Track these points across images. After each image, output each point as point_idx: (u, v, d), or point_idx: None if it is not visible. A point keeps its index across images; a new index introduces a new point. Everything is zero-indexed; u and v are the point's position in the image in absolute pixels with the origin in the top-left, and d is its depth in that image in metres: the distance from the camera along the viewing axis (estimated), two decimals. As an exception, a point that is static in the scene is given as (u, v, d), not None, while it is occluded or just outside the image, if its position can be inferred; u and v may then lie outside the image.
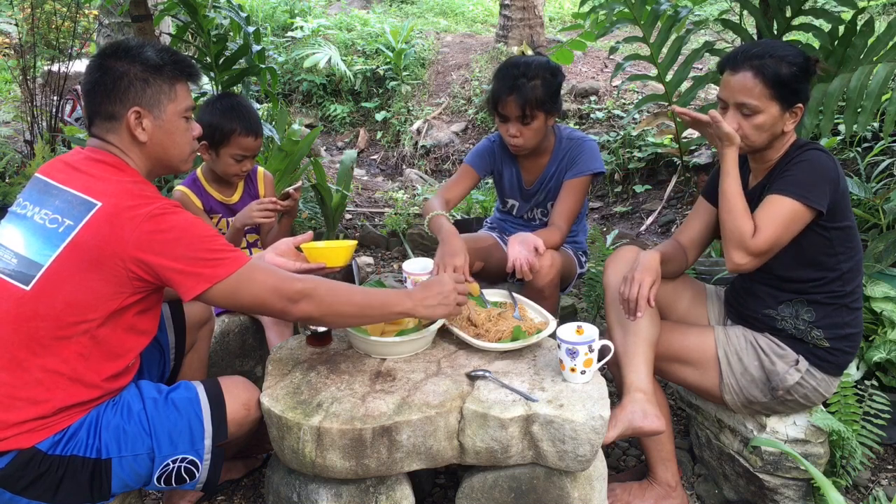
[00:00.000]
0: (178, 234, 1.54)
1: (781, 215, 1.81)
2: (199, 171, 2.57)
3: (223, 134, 2.38)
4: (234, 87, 3.65)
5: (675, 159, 4.43)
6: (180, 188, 2.52)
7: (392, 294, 1.78)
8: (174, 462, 1.66)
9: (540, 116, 2.39)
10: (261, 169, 2.68)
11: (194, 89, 4.51)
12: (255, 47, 3.49)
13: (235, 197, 2.58)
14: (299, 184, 2.62)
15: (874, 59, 2.63)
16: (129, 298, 1.57)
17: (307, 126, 6.46)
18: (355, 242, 2.02)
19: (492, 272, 2.65)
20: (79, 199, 1.57)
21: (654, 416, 1.90)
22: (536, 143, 2.48)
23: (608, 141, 5.04)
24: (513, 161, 2.63)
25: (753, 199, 1.94)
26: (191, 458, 1.67)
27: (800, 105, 1.85)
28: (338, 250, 1.93)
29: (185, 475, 1.68)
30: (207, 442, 1.69)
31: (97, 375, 1.60)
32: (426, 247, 4.09)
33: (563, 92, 2.78)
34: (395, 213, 4.51)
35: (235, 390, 1.78)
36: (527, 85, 2.34)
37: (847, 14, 3.41)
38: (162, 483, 1.67)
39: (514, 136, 2.41)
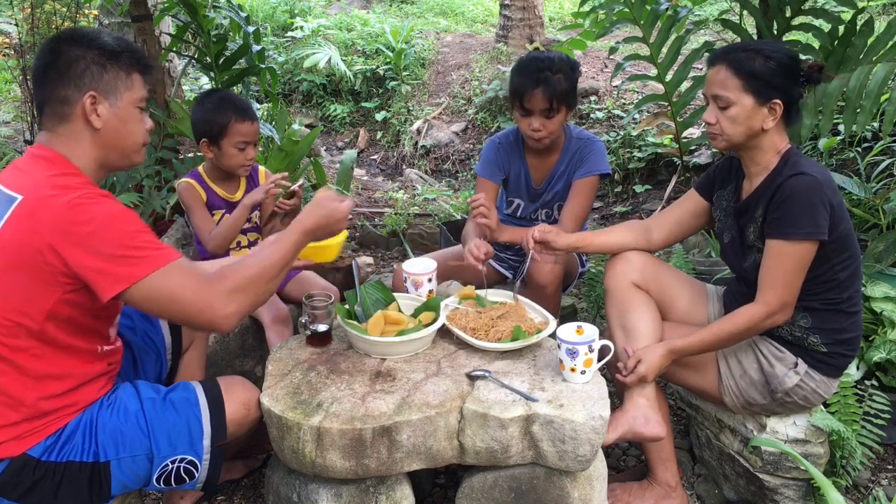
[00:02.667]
0: (95, 227, 1.44)
1: (788, 260, 1.81)
2: (201, 168, 2.58)
3: (220, 126, 2.40)
4: (234, 87, 3.65)
5: (675, 159, 4.43)
6: (185, 180, 2.52)
7: (290, 246, 1.66)
8: (173, 463, 1.66)
9: (563, 110, 2.41)
10: (261, 167, 2.70)
11: (194, 88, 4.53)
12: (255, 47, 3.49)
13: (239, 194, 2.59)
14: (302, 181, 2.62)
15: (874, 58, 2.63)
16: (65, 296, 1.49)
17: (307, 126, 6.46)
18: (345, 234, 1.93)
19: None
20: (3, 196, 1.51)
21: (656, 422, 1.90)
22: (556, 138, 2.49)
23: (608, 141, 5.04)
24: (521, 159, 2.62)
25: (748, 209, 1.94)
26: (190, 458, 1.67)
27: (777, 101, 1.82)
28: (328, 246, 1.88)
29: (184, 475, 1.68)
30: (206, 442, 1.69)
31: (62, 368, 1.56)
32: (426, 247, 4.09)
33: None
34: (395, 213, 4.51)
35: (235, 390, 1.77)
36: (552, 78, 2.35)
37: (847, 14, 3.41)
38: (161, 483, 1.67)
39: (536, 129, 2.41)
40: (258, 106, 4.72)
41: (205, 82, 4.16)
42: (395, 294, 2.16)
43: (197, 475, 1.70)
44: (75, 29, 1.66)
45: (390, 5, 9.36)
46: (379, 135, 6.70)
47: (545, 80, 2.34)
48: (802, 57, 1.97)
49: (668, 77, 3.59)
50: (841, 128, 3.52)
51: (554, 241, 2.11)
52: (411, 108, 6.67)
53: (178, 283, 1.49)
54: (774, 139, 1.89)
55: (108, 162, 1.64)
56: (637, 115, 5.18)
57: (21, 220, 1.46)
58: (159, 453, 1.64)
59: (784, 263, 1.81)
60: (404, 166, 6.16)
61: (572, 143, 2.56)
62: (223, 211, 2.56)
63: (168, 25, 4.40)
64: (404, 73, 6.92)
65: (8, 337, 1.50)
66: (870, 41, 2.68)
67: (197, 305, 1.50)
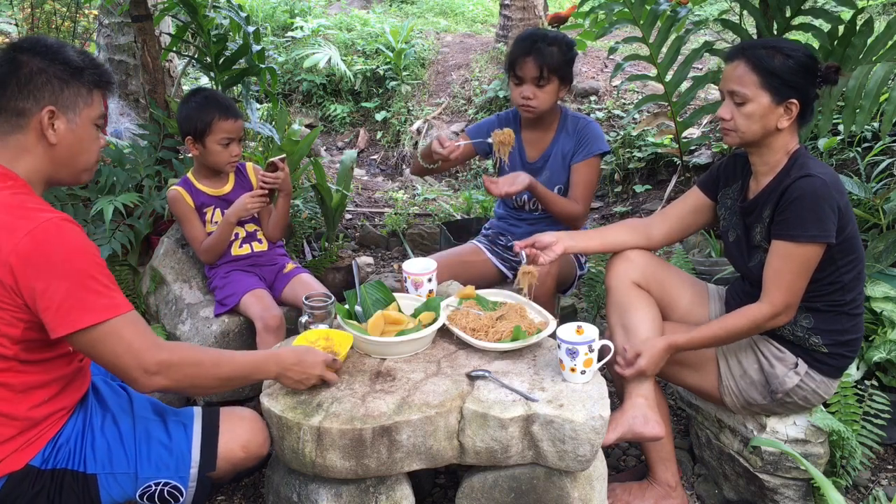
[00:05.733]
0: (57, 260, 1.42)
1: (792, 262, 1.81)
2: (189, 172, 2.64)
3: (204, 123, 2.46)
4: (234, 87, 3.65)
5: (675, 159, 4.43)
6: (175, 188, 2.58)
7: (260, 362, 1.70)
8: (157, 485, 1.65)
9: (554, 81, 2.47)
10: (249, 163, 2.75)
11: (194, 88, 4.51)
12: (255, 47, 3.49)
13: (227, 188, 2.64)
14: (284, 155, 2.64)
15: (873, 58, 2.63)
16: (29, 326, 1.47)
17: (307, 126, 6.45)
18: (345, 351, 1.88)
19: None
20: None
21: (655, 422, 1.90)
22: (547, 110, 2.53)
23: (608, 141, 5.03)
24: (517, 133, 2.66)
25: (755, 209, 1.93)
26: (174, 483, 1.67)
27: (794, 101, 1.82)
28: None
29: (168, 497, 1.68)
30: (193, 471, 1.68)
31: (44, 376, 1.56)
32: (426, 247, 4.09)
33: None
34: (395, 213, 4.51)
35: (237, 428, 1.74)
36: (546, 48, 2.45)
37: (846, 14, 3.41)
38: (145, 500, 1.67)
39: (527, 98, 2.48)
40: (258, 106, 4.72)
41: (205, 82, 4.15)
42: (395, 294, 2.16)
43: (182, 499, 1.69)
44: (38, 39, 1.59)
45: (390, 5, 9.35)
46: (379, 135, 6.70)
47: (538, 49, 2.44)
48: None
49: (668, 77, 3.59)
50: (840, 128, 3.53)
51: (537, 240, 2.09)
52: (411, 108, 6.66)
53: (127, 339, 1.49)
54: (786, 139, 1.88)
55: (54, 178, 1.61)
56: (637, 115, 5.18)
57: None
58: (143, 474, 1.64)
59: (790, 265, 1.81)
60: (404, 166, 6.16)
61: (567, 121, 2.61)
62: (213, 206, 2.60)
63: (168, 25, 4.40)
64: (404, 73, 6.92)
65: None
66: (869, 41, 2.68)
67: (132, 365, 1.49)
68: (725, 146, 4.02)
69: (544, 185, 2.62)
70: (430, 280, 2.21)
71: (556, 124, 2.61)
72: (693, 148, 4.44)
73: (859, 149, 3.47)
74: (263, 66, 3.53)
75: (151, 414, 1.71)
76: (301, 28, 7.67)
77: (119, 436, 1.65)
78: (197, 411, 1.75)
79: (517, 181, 2.43)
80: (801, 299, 1.85)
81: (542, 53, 2.43)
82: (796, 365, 1.91)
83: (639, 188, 4.72)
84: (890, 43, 2.61)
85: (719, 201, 2.09)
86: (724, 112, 1.88)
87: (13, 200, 1.47)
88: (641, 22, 3.50)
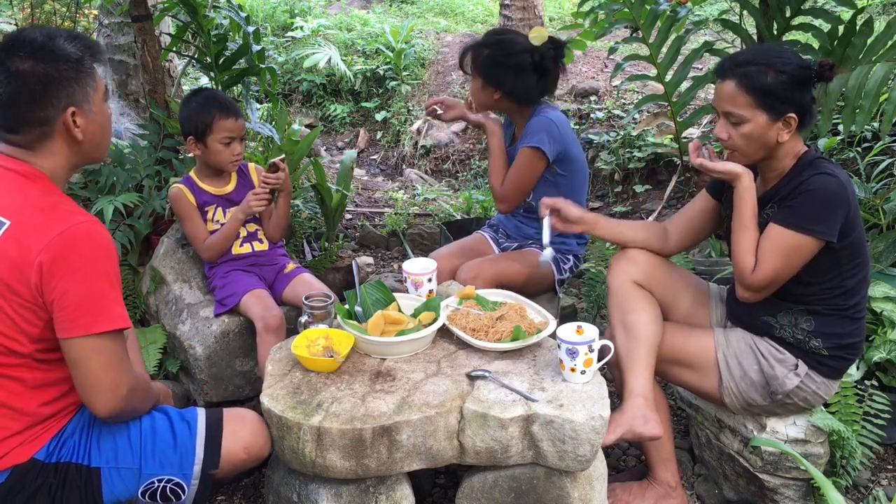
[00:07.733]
0: (82, 264, 1.45)
1: (782, 248, 1.80)
2: (192, 171, 2.64)
3: (205, 123, 2.47)
4: (234, 87, 3.65)
5: (675, 159, 4.43)
6: (177, 185, 2.58)
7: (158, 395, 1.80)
8: (160, 481, 1.66)
9: (476, 78, 2.58)
10: (252, 164, 2.75)
11: (194, 88, 4.51)
12: (255, 47, 3.49)
13: (229, 187, 2.64)
14: (283, 155, 2.65)
15: (873, 58, 2.63)
16: (47, 325, 1.49)
17: (307, 126, 6.45)
18: (342, 356, 1.91)
19: None
20: None
21: (655, 422, 1.89)
22: (480, 106, 2.67)
23: (608, 141, 5.04)
24: (510, 123, 2.78)
25: (761, 208, 1.93)
26: (177, 480, 1.67)
27: (792, 115, 1.80)
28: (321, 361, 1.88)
29: (170, 495, 1.68)
30: (196, 468, 1.68)
31: (57, 374, 1.57)
32: (426, 247, 4.09)
33: (561, 92, 2.86)
34: (395, 213, 4.51)
35: (239, 429, 1.75)
36: (476, 48, 2.56)
37: (846, 14, 3.41)
38: (147, 498, 1.67)
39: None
40: (258, 106, 4.72)
41: (205, 82, 4.16)
42: (395, 294, 2.16)
43: (184, 497, 1.69)
44: (26, 39, 1.50)
45: (390, 5, 9.35)
46: (379, 135, 6.70)
47: (470, 46, 2.57)
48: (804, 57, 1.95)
49: (668, 77, 3.59)
50: (841, 128, 3.52)
51: (564, 208, 2.08)
52: (411, 108, 6.66)
53: (120, 354, 1.53)
54: (791, 145, 1.87)
55: (78, 166, 1.64)
56: (637, 115, 5.18)
57: (8, 246, 1.45)
58: (147, 470, 1.65)
59: (778, 246, 1.80)
60: (404, 166, 6.16)
61: (534, 114, 2.63)
62: (215, 205, 2.60)
63: (168, 25, 4.39)
64: (404, 73, 6.91)
65: (2, 357, 1.50)
66: (869, 41, 2.68)
67: (111, 381, 1.51)
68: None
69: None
70: (430, 280, 2.21)
71: (524, 123, 2.66)
72: (693, 148, 4.43)
73: (859, 149, 3.47)
74: (263, 66, 3.53)
75: (156, 411, 1.72)
76: (301, 28, 7.67)
77: (125, 431, 1.65)
78: (200, 411, 1.76)
79: (464, 113, 2.68)
80: (775, 289, 1.86)
81: (469, 50, 2.55)
82: (796, 366, 1.91)
83: (639, 188, 4.72)
84: (890, 43, 2.61)
85: (724, 202, 2.09)
86: (721, 132, 1.86)
87: (46, 201, 1.50)
88: (641, 22, 3.49)
